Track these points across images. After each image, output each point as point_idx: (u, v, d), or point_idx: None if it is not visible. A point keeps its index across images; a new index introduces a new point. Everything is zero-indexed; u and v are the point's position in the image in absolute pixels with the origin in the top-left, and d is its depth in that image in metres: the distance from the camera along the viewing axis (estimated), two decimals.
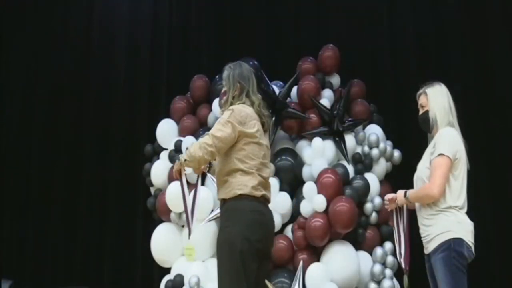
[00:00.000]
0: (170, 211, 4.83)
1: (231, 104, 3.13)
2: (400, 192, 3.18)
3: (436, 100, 3.15)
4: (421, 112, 3.24)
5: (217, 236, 3.04)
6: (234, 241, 2.87)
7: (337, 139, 4.84)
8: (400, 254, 3.33)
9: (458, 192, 3.02)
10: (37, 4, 6.59)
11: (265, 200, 3.07)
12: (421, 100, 3.24)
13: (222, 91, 3.26)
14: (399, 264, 4.33)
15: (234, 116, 3.01)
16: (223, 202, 3.06)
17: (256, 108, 3.11)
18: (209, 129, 5.04)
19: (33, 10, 6.59)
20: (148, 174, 5.18)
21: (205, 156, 2.98)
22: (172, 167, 3.15)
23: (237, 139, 3.02)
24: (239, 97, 3.12)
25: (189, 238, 3.38)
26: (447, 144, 3.02)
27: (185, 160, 3.03)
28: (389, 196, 3.29)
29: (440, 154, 2.99)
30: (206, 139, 3.00)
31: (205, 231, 4.68)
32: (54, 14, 6.59)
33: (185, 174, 3.20)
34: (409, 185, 3.24)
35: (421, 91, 3.25)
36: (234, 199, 2.98)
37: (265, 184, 3.08)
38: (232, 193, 2.98)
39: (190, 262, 4.70)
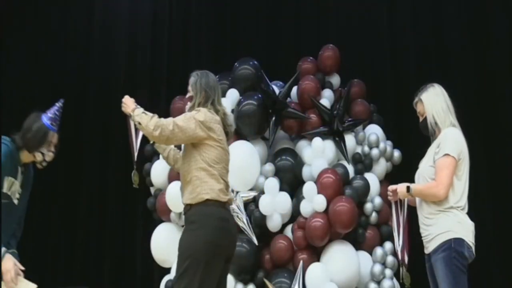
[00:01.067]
0: (170, 211, 4.83)
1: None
2: (402, 186, 3.16)
3: (432, 104, 3.15)
4: (421, 119, 3.23)
5: (180, 237, 3.02)
6: (200, 248, 2.89)
7: (337, 139, 4.84)
8: (398, 246, 3.33)
9: (460, 193, 3.02)
10: (37, 3, 6.59)
11: (229, 205, 3.14)
12: (418, 108, 3.24)
13: (187, 96, 3.28)
14: (398, 259, 4.35)
15: (201, 116, 3.03)
16: (189, 207, 3.04)
17: (221, 116, 3.17)
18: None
19: (33, 9, 6.59)
20: (148, 174, 5.18)
21: (157, 136, 2.97)
22: (133, 123, 3.17)
23: (204, 141, 3.03)
24: (205, 104, 3.15)
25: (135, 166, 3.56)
26: (452, 144, 3.02)
27: (138, 122, 3.02)
28: (393, 187, 3.27)
29: (446, 154, 2.98)
30: (167, 122, 2.98)
31: None
32: (54, 14, 6.58)
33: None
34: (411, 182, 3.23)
35: (416, 99, 3.24)
36: (201, 204, 2.98)
37: (227, 188, 3.15)
38: (199, 198, 2.99)
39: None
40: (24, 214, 3.48)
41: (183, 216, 4.71)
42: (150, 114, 3.01)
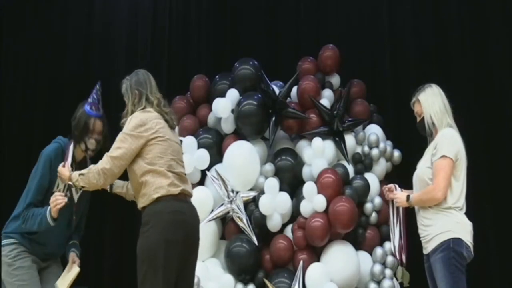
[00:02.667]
0: None
1: (132, 112, 3.13)
2: (402, 195, 3.18)
3: (430, 104, 3.16)
4: (418, 120, 3.24)
5: (137, 242, 3.02)
6: (154, 247, 2.87)
7: (337, 139, 4.84)
8: (395, 245, 3.34)
9: (459, 193, 3.03)
10: (37, 3, 6.59)
11: (185, 195, 3.04)
12: (416, 108, 3.25)
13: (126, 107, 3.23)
14: (396, 258, 4.36)
15: (132, 125, 3.00)
16: (143, 210, 3.05)
17: (155, 107, 3.12)
18: (209, 129, 5.07)
19: (33, 9, 6.59)
20: None
21: (106, 182, 3.02)
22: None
23: (142, 146, 3.00)
24: (139, 103, 3.13)
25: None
26: (449, 145, 3.02)
27: (82, 187, 3.06)
28: (388, 186, 3.31)
29: (443, 156, 2.99)
30: (104, 162, 2.98)
31: (205, 231, 4.67)
32: (53, 13, 6.58)
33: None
34: (409, 185, 3.24)
35: (414, 99, 3.25)
36: (152, 204, 2.97)
37: (180, 179, 3.04)
38: (150, 199, 2.97)
39: None
40: (85, 212, 3.77)
41: None
42: (85, 171, 3.02)
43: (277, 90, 4.96)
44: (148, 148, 3.00)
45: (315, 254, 4.58)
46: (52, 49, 6.49)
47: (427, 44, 5.75)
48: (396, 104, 5.63)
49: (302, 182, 4.66)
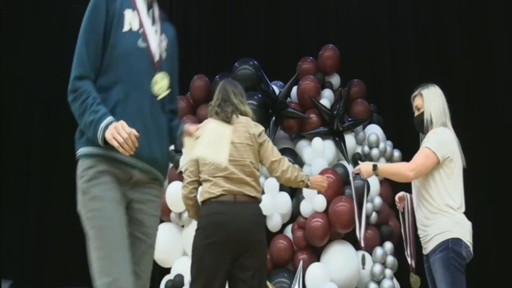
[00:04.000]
0: (170, 211, 4.83)
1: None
2: (368, 164, 3.16)
3: (432, 101, 3.16)
4: (416, 114, 3.24)
5: None
6: (194, 250, 3.04)
7: (337, 139, 4.84)
8: (408, 253, 3.34)
9: (454, 192, 3.02)
10: (37, 3, 6.59)
11: (229, 194, 3.01)
12: (416, 102, 3.24)
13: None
14: (401, 263, 4.36)
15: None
16: None
17: (210, 112, 3.28)
18: None
19: (33, 9, 6.59)
20: None
21: (185, 192, 3.19)
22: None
23: None
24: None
25: None
26: (438, 142, 3.03)
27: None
28: (399, 194, 3.33)
29: (427, 147, 3.02)
30: (183, 189, 3.21)
31: None
32: (53, 13, 6.59)
33: None
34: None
35: (416, 93, 3.25)
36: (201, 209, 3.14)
37: (227, 179, 3.03)
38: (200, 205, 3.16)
39: (189, 262, 4.69)
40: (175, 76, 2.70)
41: (183, 216, 4.75)
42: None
43: (277, 90, 4.96)
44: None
45: (315, 254, 4.58)
46: (52, 49, 6.49)
47: (427, 44, 5.75)
48: (396, 104, 5.63)
49: None
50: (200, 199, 3.12)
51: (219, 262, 2.96)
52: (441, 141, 3.04)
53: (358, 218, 3.41)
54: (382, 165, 3.18)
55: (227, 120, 3.13)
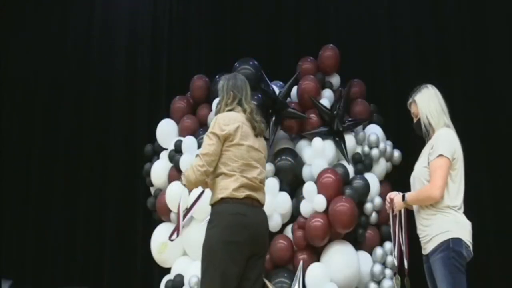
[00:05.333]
0: (170, 211, 4.83)
1: (223, 111, 3.29)
2: (398, 197, 3.17)
3: (426, 105, 3.15)
4: (415, 120, 3.24)
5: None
6: (213, 245, 3.00)
7: (337, 139, 4.84)
8: (395, 255, 3.32)
9: (455, 192, 3.02)
10: (37, 3, 6.59)
11: (252, 200, 3.12)
12: (413, 109, 3.25)
13: (218, 100, 3.43)
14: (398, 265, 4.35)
15: (218, 124, 3.14)
16: (211, 207, 3.18)
17: (247, 115, 3.24)
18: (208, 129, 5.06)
19: (33, 9, 6.59)
20: (148, 174, 5.18)
21: (200, 177, 3.12)
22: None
23: (223, 146, 3.13)
24: (231, 104, 3.28)
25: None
26: (446, 144, 3.02)
27: (184, 185, 3.21)
28: (391, 194, 3.28)
29: (440, 155, 2.99)
30: (197, 160, 3.13)
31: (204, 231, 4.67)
32: (54, 13, 6.59)
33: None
34: (409, 185, 3.23)
35: (410, 100, 3.25)
36: (217, 204, 3.10)
37: (250, 185, 3.13)
38: (215, 198, 3.12)
39: (189, 262, 4.71)
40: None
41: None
42: (184, 169, 3.27)
43: (277, 90, 4.96)
44: (225, 149, 3.13)
45: (315, 254, 4.57)
46: (52, 49, 6.49)
47: (427, 44, 5.75)
48: (396, 104, 5.62)
49: (302, 182, 4.66)
50: (219, 194, 3.08)
51: (240, 261, 3.00)
52: (448, 142, 3.04)
53: (394, 240, 3.37)
54: (409, 194, 3.13)
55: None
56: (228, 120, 3.16)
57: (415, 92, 3.23)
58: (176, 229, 3.61)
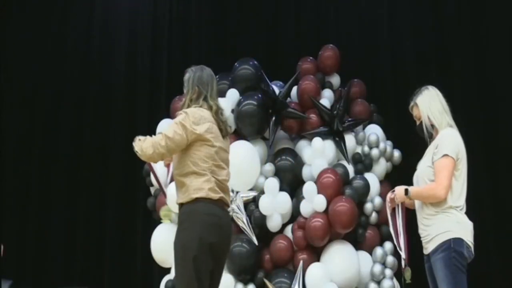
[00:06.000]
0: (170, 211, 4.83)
1: (188, 106, 3.16)
2: (400, 189, 3.15)
3: (427, 107, 3.15)
4: (417, 123, 3.24)
5: (174, 238, 3.05)
6: (190, 245, 2.92)
7: (337, 139, 4.84)
8: (401, 249, 3.29)
9: (459, 193, 3.02)
10: (37, 3, 6.58)
11: (223, 203, 3.10)
12: (414, 112, 3.24)
13: (184, 97, 3.29)
14: (399, 262, 4.34)
15: (188, 118, 3.02)
16: (181, 206, 3.08)
17: (213, 113, 3.14)
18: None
19: (33, 9, 6.58)
20: (148, 174, 5.18)
21: (155, 156, 3.01)
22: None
23: (191, 142, 3.03)
24: (196, 101, 3.15)
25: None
26: (450, 144, 3.02)
27: (136, 151, 3.07)
28: (391, 196, 3.27)
29: (445, 155, 2.99)
30: (159, 138, 3.00)
31: None
32: (54, 13, 6.58)
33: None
34: (409, 185, 3.23)
35: (412, 103, 3.25)
36: (190, 204, 3.01)
37: (221, 187, 3.11)
38: (189, 198, 3.01)
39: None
40: None
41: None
42: (143, 137, 3.05)
43: (277, 90, 4.96)
44: (196, 148, 3.04)
45: (315, 254, 4.58)
46: (52, 49, 6.49)
47: (427, 44, 5.75)
48: (396, 104, 5.63)
49: (302, 182, 4.66)
50: (193, 194, 2.99)
51: (212, 260, 2.97)
52: (452, 142, 3.04)
53: (395, 235, 3.35)
54: (413, 189, 3.10)
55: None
56: (199, 119, 3.04)
57: (416, 95, 3.23)
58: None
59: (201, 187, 2.99)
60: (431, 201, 3.03)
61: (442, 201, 3.00)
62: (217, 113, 3.15)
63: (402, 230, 3.28)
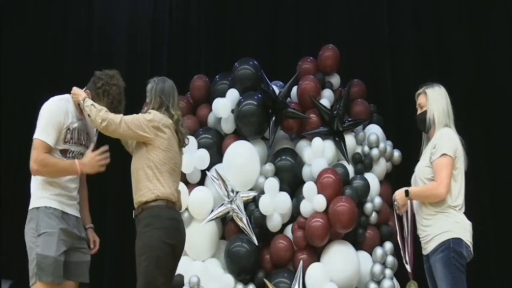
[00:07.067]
0: None
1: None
2: (400, 191, 3.15)
3: (436, 101, 3.16)
4: (419, 111, 3.24)
5: (136, 241, 3.18)
6: (154, 246, 3.05)
7: (337, 139, 4.84)
8: (407, 262, 3.28)
9: (457, 192, 3.03)
10: (37, 3, 6.59)
11: (179, 207, 3.25)
12: (420, 99, 3.24)
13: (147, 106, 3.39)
14: (401, 263, 4.33)
15: (149, 116, 3.14)
16: (141, 209, 3.16)
17: (174, 123, 3.23)
18: (209, 129, 5.07)
19: (33, 9, 6.59)
20: None
21: (101, 127, 3.09)
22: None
23: (152, 142, 3.12)
24: (158, 109, 3.24)
25: None
26: (448, 143, 3.03)
27: (88, 114, 3.13)
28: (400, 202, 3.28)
29: (444, 154, 2.99)
30: (115, 116, 3.10)
31: (205, 231, 4.68)
32: (53, 13, 6.58)
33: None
34: (408, 185, 3.23)
35: (420, 90, 3.25)
36: (152, 205, 3.10)
37: (176, 190, 3.22)
38: (148, 196, 3.10)
39: (189, 262, 4.70)
40: None
41: (183, 216, 4.74)
42: (99, 107, 3.12)
43: (277, 90, 4.96)
44: (155, 149, 3.12)
45: (315, 254, 4.58)
46: (52, 49, 6.49)
47: (427, 44, 5.75)
48: (396, 104, 5.63)
49: (302, 182, 4.66)
50: (153, 192, 3.08)
51: (173, 261, 3.15)
52: (450, 141, 3.04)
53: (402, 246, 3.34)
54: (413, 189, 3.12)
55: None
56: (164, 122, 3.15)
57: (427, 85, 3.24)
58: None
59: (160, 186, 3.09)
60: (432, 201, 3.03)
61: (441, 201, 3.00)
62: (178, 123, 3.25)
63: (410, 243, 3.27)
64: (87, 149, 3.30)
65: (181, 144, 3.28)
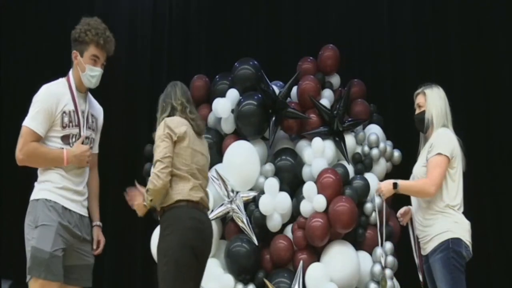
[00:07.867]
0: None
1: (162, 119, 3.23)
2: (388, 182, 3.15)
3: (434, 102, 3.17)
4: (417, 111, 3.25)
5: (157, 244, 3.09)
6: (173, 250, 2.97)
7: (337, 139, 4.84)
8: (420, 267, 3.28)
9: (455, 192, 3.03)
10: (37, 3, 6.59)
11: (204, 206, 3.16)
12: (419, 99, 3.25)
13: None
14: (399, 262, 4.34)
15: (167, 126, 3.10)
16: (162, 210, 3.11)
17: (180, 114, 3.21)
18: (209, 129, 5.07)
19: (33, 9, 6.59)
20: (148, 174, 5.18)
21: (165, 179, 3.01)
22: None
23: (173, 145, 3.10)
24: (165, 112, 3.24)
25: None
26: (445, 143, 3.03)
27: (151, 200, 3.07)
28: (401, 211, 3.29)
29: (439, 153, 3.00)
30: (158, 165, 3.03)
31: None
32: (53, 14, 6.58)
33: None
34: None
35: (419, 90, 3.26)
36: (173, 206, 3.05)
37: (201, 188, 3.16)
38: (170, 200, 3.05)
39: None
40: None
41: None
42: (148, 192, 3.06)
43: (277, 90, 4.96)
44: (176, 152, 3.09)
45: (315, 254, 4.58)
46: (51, 49, 6.49)
47: (427, 44, 5.75)
48: (396, 104, 5.64)
49: (302, 182, 4.66)
50: (175, 196, 3.04)
51: (196, 265, 3.05)
52: (447, 141, 3.05)
53: (416, 252, 3.34)
54: (403, 182, 3.12)
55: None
56: (176, 123, 3.13)
57: (426, 85, 3.25)
58: None
59: (182, 189, 3.05)
60: (420, 197, 3.05)
61: (440, 201, 3.01)
62: (184, 111, 3.22)
63: (416, 247, 3.28)
64: (96, 133, 3.25)
65: (196, 130, 3.22)
